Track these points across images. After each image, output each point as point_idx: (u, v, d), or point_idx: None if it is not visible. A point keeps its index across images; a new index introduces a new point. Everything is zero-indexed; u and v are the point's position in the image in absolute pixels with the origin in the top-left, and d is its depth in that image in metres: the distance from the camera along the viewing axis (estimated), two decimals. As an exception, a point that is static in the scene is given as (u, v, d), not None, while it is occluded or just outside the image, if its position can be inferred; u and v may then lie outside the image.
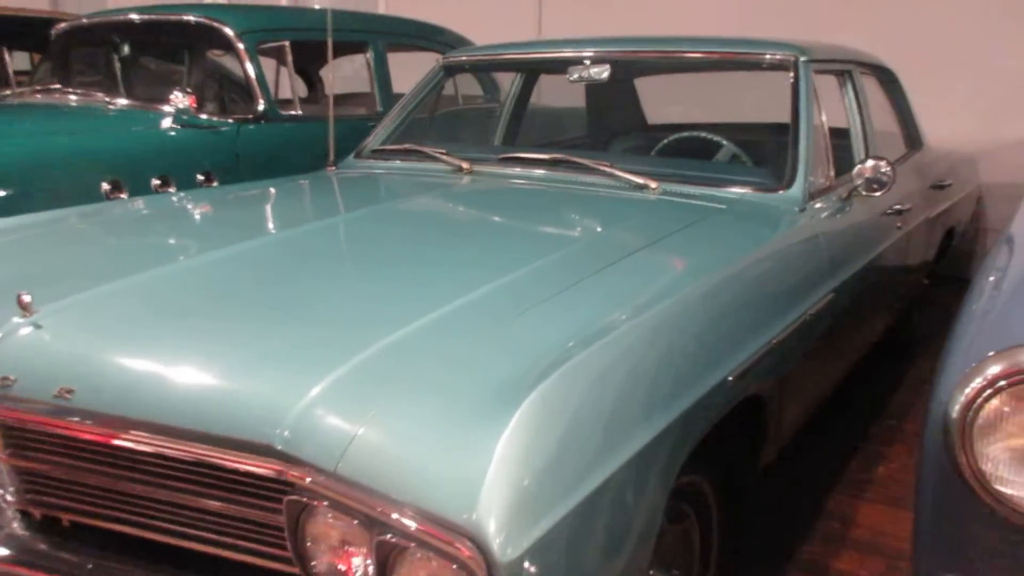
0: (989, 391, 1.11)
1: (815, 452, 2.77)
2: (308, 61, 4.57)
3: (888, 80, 3.51)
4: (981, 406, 1.11)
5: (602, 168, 2.42)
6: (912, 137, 3.61)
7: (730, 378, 1.55)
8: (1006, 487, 1.11)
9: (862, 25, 4.73)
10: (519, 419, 1.11)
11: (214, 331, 1.41)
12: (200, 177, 3.29)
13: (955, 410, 1.13)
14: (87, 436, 1.31)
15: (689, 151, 2.99)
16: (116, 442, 1.29)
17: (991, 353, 1.13)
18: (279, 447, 1.16)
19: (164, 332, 1.41)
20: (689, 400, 1.42)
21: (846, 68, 2.87)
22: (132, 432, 1.27)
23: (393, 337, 1.32)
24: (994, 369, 1.11)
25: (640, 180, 2.34)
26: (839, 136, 2.65)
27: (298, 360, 1.30)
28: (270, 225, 2.24)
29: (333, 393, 1.19)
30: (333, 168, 2.86)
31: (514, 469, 1.07)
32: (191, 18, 3.65)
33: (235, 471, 1.21)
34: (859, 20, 4.81)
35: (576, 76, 2.77)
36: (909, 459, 2.76)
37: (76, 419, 1.31)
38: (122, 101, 3.62)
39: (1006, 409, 1.11)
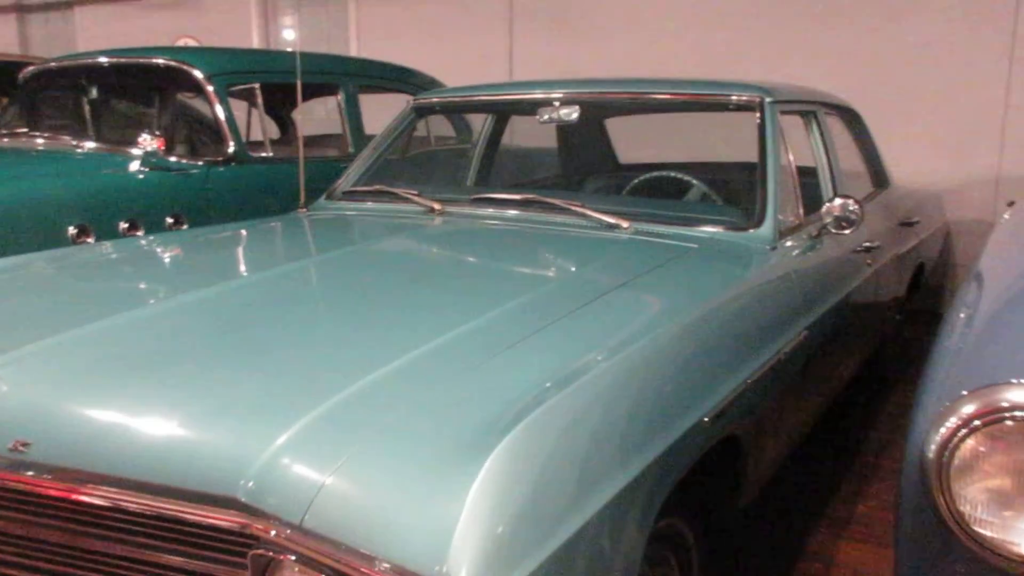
0: (964, 431, 1.10)
1: (793, 490, 2.75)
2: (279, 103, 4.57)
3: (852, 120, 3.57)
4: (957, 446, 1.10)
5: (574, 208, 2.43)
6: (878, 176, 3.67)
7: (706, 419, 1.54)
8: (985, 529, 1.10)
9: (825, 66, 4.83)
10: (491, 466, 1.08)
11: (177, 379, 1.37)
12: (169, 220, 3.26)
13: (931, 450, 1.12)
14: (44, 491, 1.26)
15: (660, 191, 3.01)
16: (74, 496, 1.24)
17: (965, 392, 1.13)
18: (243, 499, 1.12)
19: (125, 381, 1.36)
20: (665, 443, 1.39)
21: (811, 108, 2.91)
22: (90, 486, 1.22)
23: (362, 382, 1.29)
24: (968, 408, 1.10)
25: (612, 219, 2.35)
26: (806, 175, 2.68)
27: (264, 408, 1.26)
28: (240, 268, 2.21)
29: (300, 442, 1.16)
30: (304, 210, 2.85)
31: (487, 517, 1.03)
32: (160, 61, 3.64)
33: (197, 525, 1.16)
34: (822, 61, 4.91)
35: (546, 117, 2.79)
36: (888, 496, 2.75)
37: (32, 473, 1.26)
38: (90, 144, 3.59)
39: (982, 449, 1.10)
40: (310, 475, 1.10)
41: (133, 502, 1.20)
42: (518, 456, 1.12)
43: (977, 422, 1.09)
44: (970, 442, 1.10)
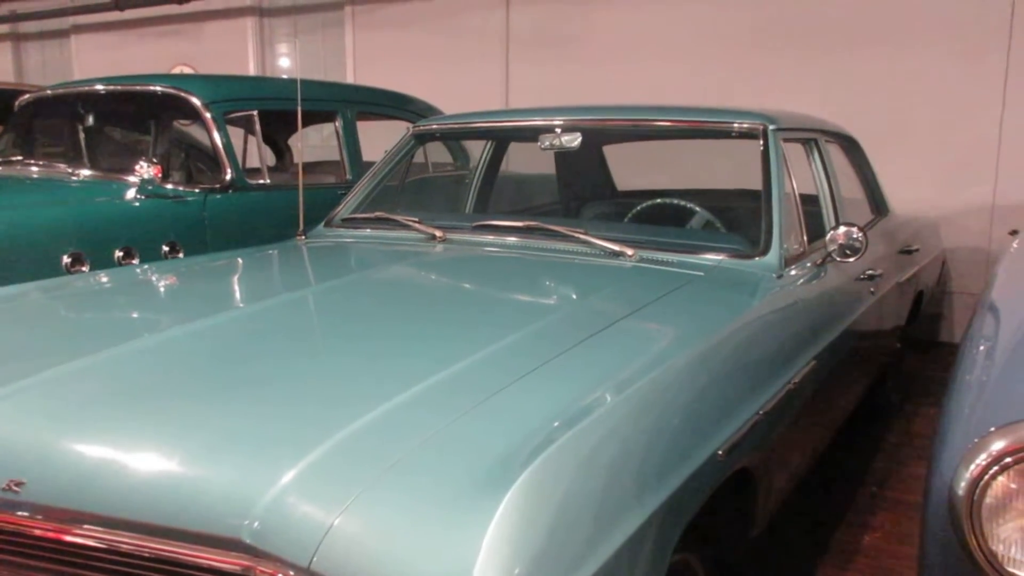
0: (995, 468, 1.07)
1: (800, 521, 2.71)
2: (277, 130, 4.56)
3: (852, 148, 3.58)
4: (988, 484, 1.07)
5: (577, 235, 2.40)
6: (878, 203, 3.67)
7: (720, 452, 1.50)
8: (1019, 569, 1.06)
9: (823, 95, 4.86)
10: (508, 504, 1.04)
11: (177, 414, 1.33)
12: (165, 248, 3.22)
13: (961, 487, 1.08)
14: (38, 531, 1.21)
15: (662, 218, 2.99)
16: (68, 538, 1.19)
17: (993, 428, 1.09)
18: (247, 540, 1.07)
19: (122, 416, 1.32)
20: (680, 478, 1.36)
21: (812, 136, 2.91)
22: (86, 527, 1.18)
23: (370, 416, 1.26)
24: (999, 445, 1.07)
25: (616, 247, 2.32)
26: (808, 203, 2.67)
27: (268, 443, 1.22)
28: (238, 298, 2.17)
29: (307, 479, 1.12)
30: (303, 238, 2.81)
31: (503, 560, 0.99)
32: (158, 88, 3.62)
33: (199, 567, 1.12)
34: (822, 90, 4.94)
35: (547, 144, 2.78)
36: (894, 527, 2.71)
37: (26, 513, 1.21)
38: (86, 172, 3.55)
39: (1013, 486, 1.07)
40: (318, 515, 1.06)
41: (130, 543, 1.15)
42: (536, 494, 1.08)
43: (1008, 459, 1.06)
44: (1001, 479, 1.07)
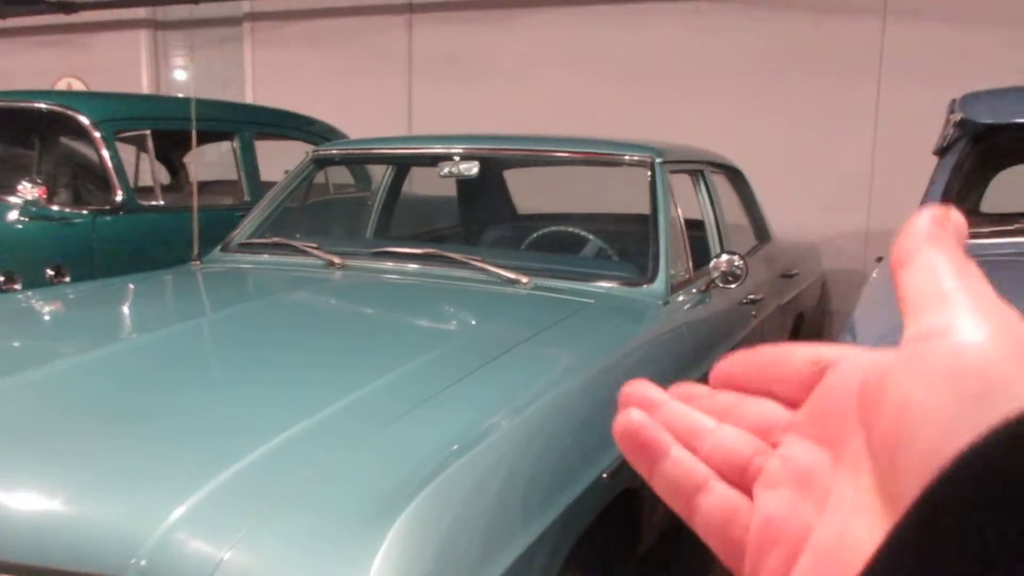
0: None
1: (689, 534, 2.82)
2: (171, 148, 4.45)
3: (736, 178, 3.78)
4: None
5: (474, 263, 2.46)
6: (760, 229, 3.88)
7: (605, 475, 1.58)
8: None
9: (708, 124, 5.10)
10: (394, 537, 1.08)
11: (58, 451, 1.30)
12: (50, 272, 3.10)
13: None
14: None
15: (556, 245, 3.09)
16: (-57, 583, 1.16)
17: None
18: (135, 579, 1.07)
19: (2, 455, 1.29)
20: (566, 500, 1.42)
21: (699, 168, 3.07)
22: (-37, 570, 1.15)
23: (263, 449, 1.27)
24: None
25: (512, 275, 2.39)
26: (695, 228, 2.81)
27: (157, 479, 1.22)
28: (128, 327, 2.13)
29: (196, 515, 1.12)
30: (198, 263, 2.77)
31: (392, 589, 1.03)
32: (43, 105, 3.50)
33: (84, 608, 1.11)
34: (710, 122, 5.19)
35: (446, 171, 2.83)
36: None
37: None
38: (-38, 191, 3.38)
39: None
40: (208, 550, 1.07)
41: (11, 586, 1.13)
42: (423, 523, 1.12)
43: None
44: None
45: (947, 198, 2.24)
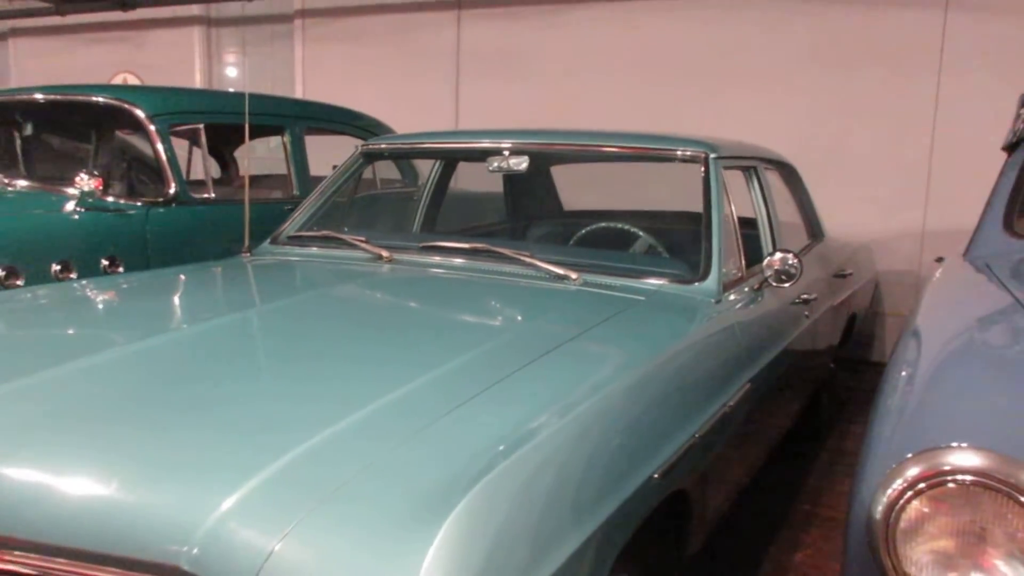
0: (910, 493, 1.13)
1: (735, 538, 2.77)
2: (223, 143, 4.51)
3: (790, 174, 3.70)
4: (903, 508, 1.13)
5: (523, 258, 2.44)
6: (814, 228, 3.79)
7: (656, 475, 1.54)
8: (930, 590, 1.12)
9: (762, 121, 5.01)
10: (447, 531, 1.06)
11: (113, 438, 1.31)
12: (105, 262, 3.16)
13: (878, 512, 1.14)
14: (-34, 559, 1.19)
15: (605, 241, 3.05)
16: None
17: (909, 455, 1.16)
18: (186, 567, 1.07)
19: (56, 440, 1.30)
20: (617, 501, 1.39)
21: (752, 164, 3.00)
22: (17, 554, 1.16)
23: (313, 441, 1.26)
24: (913, 471, 1.13)
25: (561, 271, 2.36)
26: (747, 227, 2.76)
27: (208, 469, 1.22)
28: (180, 317, 2.15)
29: (248, 505, 1.12)
30: (248, 255, 2.79)
31: (442, 586, 1.01)
32: (100, 99, 3.56)
33: (136, 594, 1.11)
34: (761, 118, 5.09)
35: (495, 166, 2.82)
36: (825, 544, 2.79)
37: (-45, 540, 1.19)
38: (22, 183, 3.47)
39: (926, 511, 1.13)
40: (258, 541, 1.06)
41: (65, 571, 1.14)
42: (474, 520, 1.10)
43: (922, 484, 1.12)
44: (915, 504, 1.13)
45: (1015, 195, 2.16)
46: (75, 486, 1.20)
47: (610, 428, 1.51)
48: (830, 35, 5.08)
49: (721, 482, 2.06)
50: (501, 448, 1.27)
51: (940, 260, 2.67)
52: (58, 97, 3.68)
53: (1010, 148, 2.38)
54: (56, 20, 7.43)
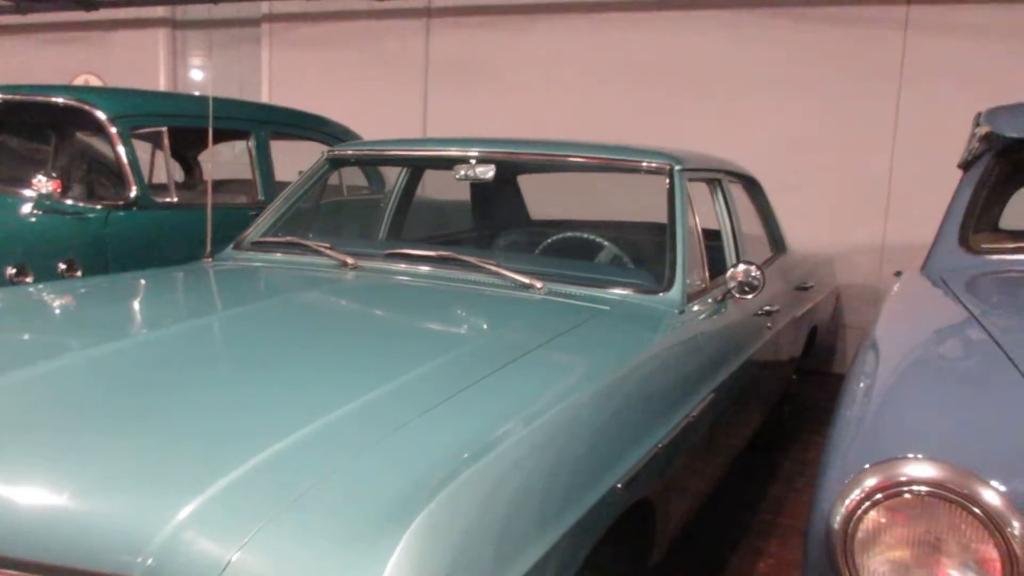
0: (867, 504, 1.14)
1: (698, 547, 2.79)
2: (186, 146, 4.45)
3: (753, 188, 3.75)
4: (860, 518, 1.14)
5: (489, 267, 2.44)
6: (776, 241, 3.85)
7: (619, 485, 1.55)
8: (887, 599, 1.14)
9: (727, 135, 5.07)
10: (408, 541, 1.05)
11: (65, 447, 1.28)
12: (62, 266, 3.09)
13: (836, 522, 1.15)
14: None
15: (570, 250, 3.06)
16: (-54, 577, 1.14)
17: (867, 465, 1.17)
18: (140, 578, 1.05)
19: (10, 449, 1.27)
20: (581, 510, 1.39)
21: (716, 176, 3.04)
22: (-33, 565, 1.13)
23: (272, 450, 1.24)
24: (871, 481, 1.15)
25: (526, 280, 2.37)
26: (711, 237, 2.78)
27: (164, 478, 1.19)
28: (138, 323, 2.11)
29: (205, 514, 1.10)
30: (210, 260, 2.75)
31: (403, 596, 1.00)
32: (60, 100, 3.50)
33: (88, 606, 1.08)
34: (726, 131, 5.16)
35: (462, 174, 2.81)
36: (787, 553, 2.82)
37: None
38: (-24, 184, 3.39)
39: (883, 521, 1.14)
40: (216, 551, 1.04)
41: (14, 582, 1.11)
42: (436, 529, 1.10)
43: (879, 495, 1.14)
44: (872, 515, 1.14)
45: (970, 212, 2.21)
46: (27, 496, 1.17)
47: (574, 437, 1.51)
48: (793, 51, 5.17)
49: (684, 492, 2.07)
50: (464, 457, 1.26)
51: (899, 274, 2.72)
52: (17, 97, 3.60)
53: (966, 166, 2.44)
54: (16, 19, 7.28)
